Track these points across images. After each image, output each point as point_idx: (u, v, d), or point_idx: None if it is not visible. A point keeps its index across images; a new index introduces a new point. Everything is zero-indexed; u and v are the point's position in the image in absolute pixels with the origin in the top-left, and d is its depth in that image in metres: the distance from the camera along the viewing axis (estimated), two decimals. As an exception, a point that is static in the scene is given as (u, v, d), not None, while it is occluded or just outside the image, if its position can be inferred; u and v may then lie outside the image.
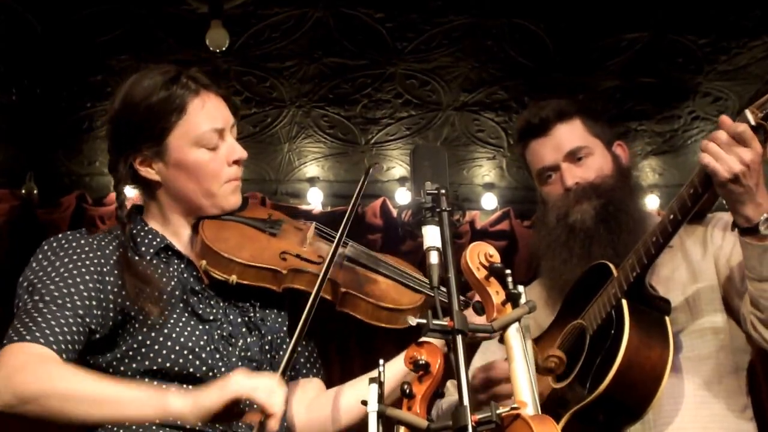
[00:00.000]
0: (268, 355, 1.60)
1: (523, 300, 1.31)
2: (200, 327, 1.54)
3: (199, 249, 1.60)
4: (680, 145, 4.19)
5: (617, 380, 1.59)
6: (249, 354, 1.56)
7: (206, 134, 1.59)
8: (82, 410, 1.36)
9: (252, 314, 1.61)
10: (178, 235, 1.64)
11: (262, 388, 1.35)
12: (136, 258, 1.58)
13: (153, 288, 1.53)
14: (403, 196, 4.32)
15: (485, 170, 4.33)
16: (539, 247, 1.94)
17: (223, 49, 3.26)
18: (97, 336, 1.50)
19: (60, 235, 1.59)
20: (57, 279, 1.49)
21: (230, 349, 1.55)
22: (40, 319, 1.44)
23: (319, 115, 3.86)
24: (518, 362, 1.28)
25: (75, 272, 1.51)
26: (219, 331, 1.55)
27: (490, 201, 4.37)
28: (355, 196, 1.66)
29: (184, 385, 1.49)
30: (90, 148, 3.91)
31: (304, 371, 1.73)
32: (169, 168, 1.60)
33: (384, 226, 4.33)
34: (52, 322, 1.44)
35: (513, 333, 1.29)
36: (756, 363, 1.86)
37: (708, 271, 1.79)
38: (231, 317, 1.59)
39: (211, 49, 3.25)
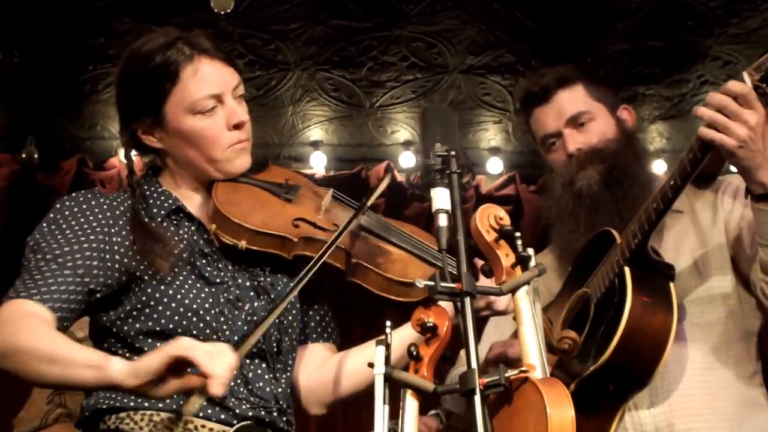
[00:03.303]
0: (276, 320, 1.57)
1: (532, 263, 1.31)
2: (206, 289, 1.53)
3: (211, 212, 1.58)
4: (688, 109, 4.15)
5: (620, 348, 1.59)
6: (255, 318, 1.55)
7: (200, 101, 1.56)
8: (39, 368, 1.36)
9: (262, 278, 1.60)
10: (191, 197, 1.63)
11: (204, 348, 1.30)
12: (147, 219, 1.57)
13: (163, 245, 1.52)
14: (407, 160, 4.29)
15: (491, 134, 4.31)
16: (548, 216, 1.93)
17: (228, 11, 3.22)
18: (98, 295, 1.50)
19: (73, 195, 1.59)
20: (61, 239, 1.50)
21: (236, 312, 1.53)
22: (38, 276, 1.46)
23: (324, 78, 3.82)
24: (527, 326, 1.27)
25: (80, 232, 1.51)
26: (225, 294, 1.54)
27: (495, 165, 4.34)
28: (374, 194, 1.65)
29: None
30: (91, 112, 3.89)
31: (314, 335, 1.71)
32: (169, 136, 1.59)
33: (387, 191, 4.31)
34: (50, 281, 1.45)
35: (522, 296, 1.28)
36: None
37: (718, 236, 1.77)
38: (239, 281, 1.57)
39: (215, 11, 3.22)
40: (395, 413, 1.25)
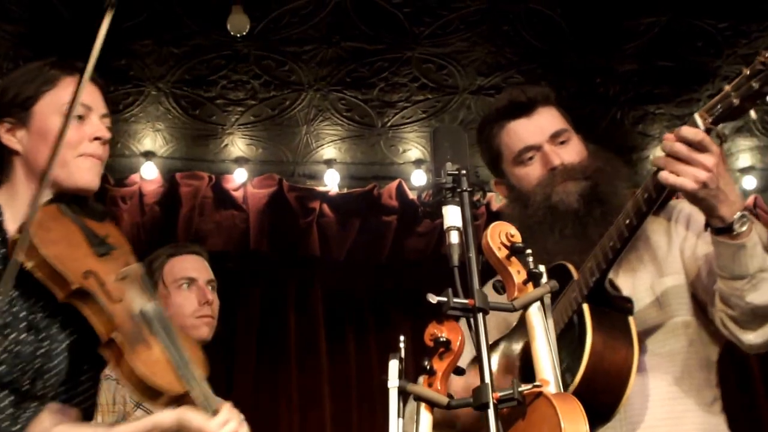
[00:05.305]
0: (39, 363, 1.54)
1: (544, 279, 1.34)
2: None
3: (20, 224, 1.56)
4: (698, 128, 4.17)
5: (583, 386, 1.57)
6: (18, 349, 1.51)
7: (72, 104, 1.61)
8: None
9: (39, 315, 1.56)
10: (21, 212, 1.60)
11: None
12: None
13: None
14: (419, 178, 4.34)
15: (501, 154, 4.33)
16: (525, 232, 1.89)
17: (244, 33, 3.29)
18: None
19: None
20: None
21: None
22: None
23: (337, 99, 3.87)
24: (540, 341, 1.30)
25: None
26: None
27: (505, 184, 4.36)
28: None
29: None
30: (113, 130, 3.92)
31: (65, 396, 1.62)
32: (31, 136, 1.62)
33: (400, 208, 4.36)
34: None
35: (534, 312, 1.31)
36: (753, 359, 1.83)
37: (674, 264, 1.76)
38: (15, 308, 1.54)
39: (231, 33, 3.28)
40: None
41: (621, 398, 1.60)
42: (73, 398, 1.62)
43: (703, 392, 1.74)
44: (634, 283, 1.75)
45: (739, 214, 1.54)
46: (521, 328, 1.76)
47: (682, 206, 1.80)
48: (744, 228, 1.53)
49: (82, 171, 1.63)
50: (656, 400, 1.70)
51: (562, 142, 1.87)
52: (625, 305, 1.66)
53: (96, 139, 1.64)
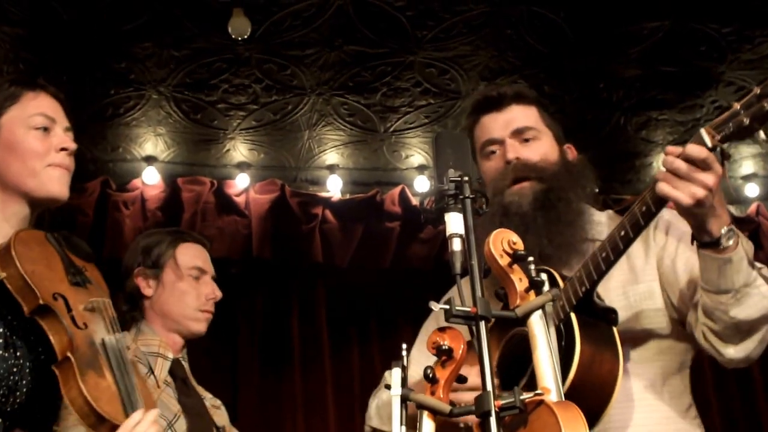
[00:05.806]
0: (12, 377, 1.55)
1: (546, 287, 1.33)
2: None
3: (5, 242, 1.59)
4: (702, 134, 4.17)
5: (568, 396, 1.50)
6: None
7: (37, 117, 1.68)
8: None
9: (12, 332, 1.58)
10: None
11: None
12: None
13: None
14: (421, 184, 4.33)
15: (504, 159, 4.33)
16: (477, 228, 1.87)
17: (245, 36, 3.28)
18: None
19: None
20: None
21: None
22: None
23: (339, 103, 3.87)
24: (542, 349, 1.29)
25: None
26: None
27: (508, 189, 4.36)
28: None
29: None
30: (114, 135, 3.96)
31: (31, 417, 1.63)
32: None
33: (402, 214, 4.35)
34: None
35: (536, 320, 1.30)
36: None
37: (650, 272, 1.76)
38: None
39: (233, 36, 3.28)
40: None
41: (604, 408, 1.59)
42: (39, 418, 1.62)
43: (678, 398, 1.74)
44: (607, 288, 1.74)
45: (726, 228, 1.54)
46: (495, 333, 1.75)
47: (662, 213, 1.77)
48: (731, 242, 1.54)
49: (53, 180, 1.68)
50: (632, 408, 1.70)
51: (527, 140, 1.86)
52: (610, 316, 1.65)
53: (62, 149, 1.69)
